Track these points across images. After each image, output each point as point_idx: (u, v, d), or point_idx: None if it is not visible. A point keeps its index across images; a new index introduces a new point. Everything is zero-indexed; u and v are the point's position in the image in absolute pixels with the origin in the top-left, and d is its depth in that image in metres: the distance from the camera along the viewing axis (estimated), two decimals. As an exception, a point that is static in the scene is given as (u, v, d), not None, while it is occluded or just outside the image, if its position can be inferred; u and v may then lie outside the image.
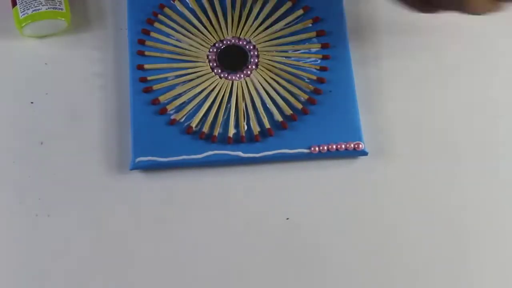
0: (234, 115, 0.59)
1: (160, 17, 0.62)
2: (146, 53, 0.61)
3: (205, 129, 0.58)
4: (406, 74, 0.61)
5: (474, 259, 0.56)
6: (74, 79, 0.61)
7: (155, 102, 0.59)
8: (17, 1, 0.60)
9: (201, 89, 0.60)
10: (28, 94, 0.60)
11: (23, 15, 0.60)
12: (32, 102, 0.60)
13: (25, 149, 0.59)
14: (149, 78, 0.60)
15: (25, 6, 0.60)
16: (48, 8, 0.60)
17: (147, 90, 0.59)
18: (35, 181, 0.58)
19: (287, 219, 0.57)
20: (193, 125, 0.58)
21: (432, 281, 0.55)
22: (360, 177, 0.58)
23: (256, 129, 0.58)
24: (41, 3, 0.60)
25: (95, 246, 0.56)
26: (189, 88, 0.60)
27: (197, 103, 0.59)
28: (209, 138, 0.58)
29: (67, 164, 0.58)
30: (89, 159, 0.58)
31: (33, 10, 0.59)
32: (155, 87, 0.59)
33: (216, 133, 0.58)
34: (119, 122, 0.59)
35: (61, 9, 0.61)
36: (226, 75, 0.60)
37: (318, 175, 0.58)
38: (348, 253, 0.56)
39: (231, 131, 0.58)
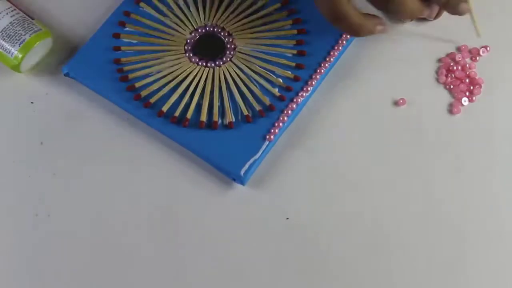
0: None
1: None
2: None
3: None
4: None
5: (474, 255, 0.56)
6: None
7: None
8: None
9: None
10: (28, 94, 0.60)
11: (13, 54, 0.59)
12: (32, 102, 0.60)
13: (25, 149, 0.59)
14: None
15: (10, 45, 0.58)
16: (31, 34, 0.59)
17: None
18: (35, 181, 0.58)
19: (287, 219, 0.57)
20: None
21: (433, 280, 0.55)
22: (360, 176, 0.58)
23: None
24: (21, 34, 0.59)
25: (95, 245, 0.56)
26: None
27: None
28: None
29: (67, 164, 0.58)
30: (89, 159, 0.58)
31: (20, 44, 0.58)
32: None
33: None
34: (119, 122, 0.59)
35: (40, 29, 0.60)
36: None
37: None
38: (347, 252, 0.56)
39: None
